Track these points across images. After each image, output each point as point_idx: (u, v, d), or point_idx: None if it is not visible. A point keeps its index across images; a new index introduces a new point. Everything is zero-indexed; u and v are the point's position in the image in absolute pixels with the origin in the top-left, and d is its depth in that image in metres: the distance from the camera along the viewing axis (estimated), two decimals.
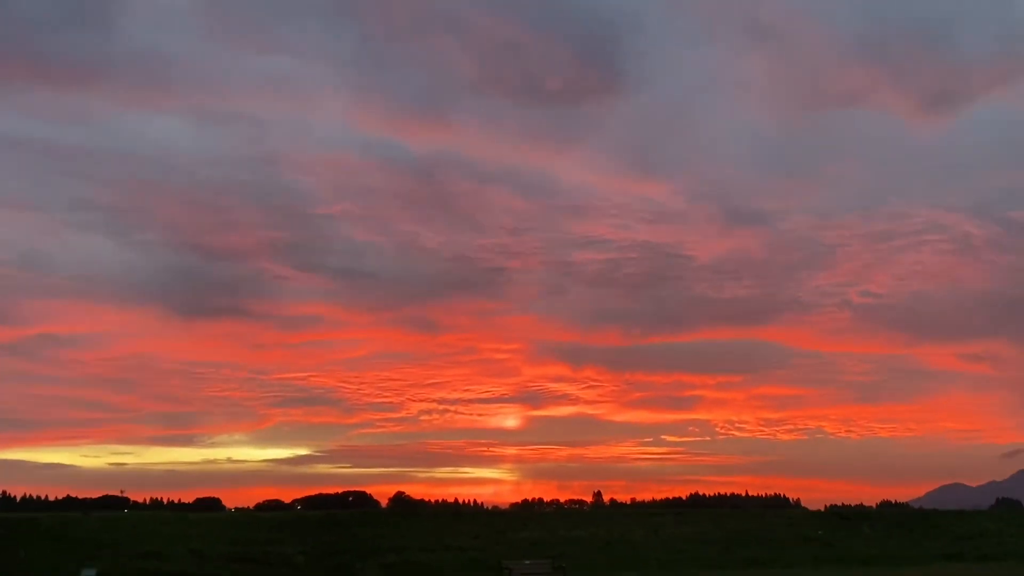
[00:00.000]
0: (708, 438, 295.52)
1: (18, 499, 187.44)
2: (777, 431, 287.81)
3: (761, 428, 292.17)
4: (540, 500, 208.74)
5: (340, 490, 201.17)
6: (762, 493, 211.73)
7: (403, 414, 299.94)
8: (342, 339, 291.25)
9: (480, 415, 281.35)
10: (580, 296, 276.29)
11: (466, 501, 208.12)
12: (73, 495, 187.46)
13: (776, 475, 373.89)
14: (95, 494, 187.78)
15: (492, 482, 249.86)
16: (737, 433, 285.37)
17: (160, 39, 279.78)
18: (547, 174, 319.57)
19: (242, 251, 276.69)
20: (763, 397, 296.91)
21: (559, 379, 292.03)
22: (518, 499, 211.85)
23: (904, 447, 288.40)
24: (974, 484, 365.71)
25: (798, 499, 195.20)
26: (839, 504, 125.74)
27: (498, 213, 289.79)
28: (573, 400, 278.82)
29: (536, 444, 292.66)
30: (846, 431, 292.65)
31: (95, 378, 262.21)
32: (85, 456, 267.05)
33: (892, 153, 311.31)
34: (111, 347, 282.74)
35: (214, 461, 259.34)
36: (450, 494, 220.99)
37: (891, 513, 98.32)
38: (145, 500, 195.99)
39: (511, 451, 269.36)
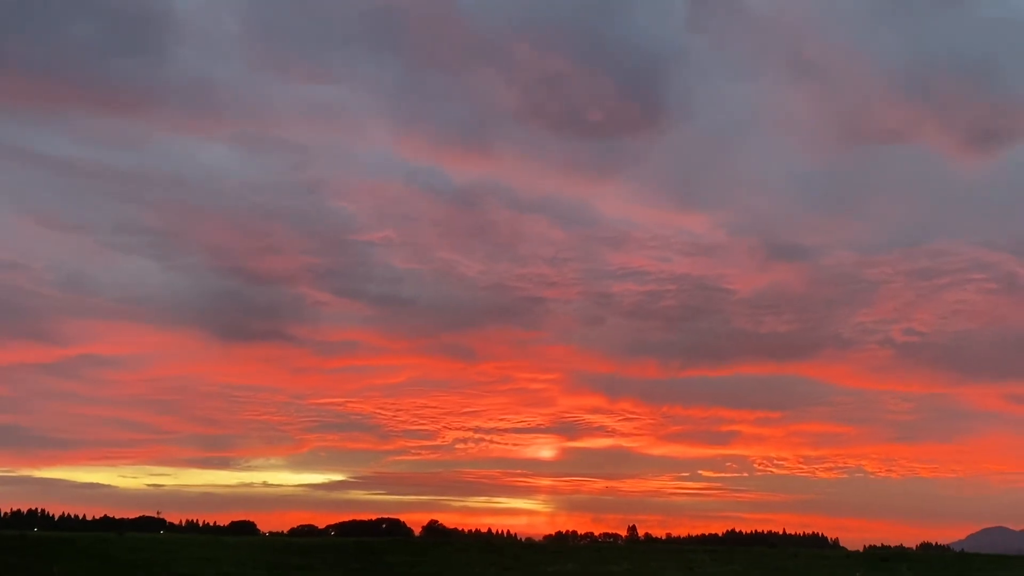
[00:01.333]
0: (746, 474, 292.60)
1: (56, 517, 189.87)
2: (816, 469, 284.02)
3: (800, 465, 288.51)
4: (574, 532, 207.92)
5: (374, 517, 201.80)
6: (800, 532, 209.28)
7: (438, 442, 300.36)
8: (380, 365, 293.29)
9: (515, 445, 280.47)
10: (618, 327, 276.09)
11: (500, 531, 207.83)
12: (110, 515, 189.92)
13: (815, 513, 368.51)
14: (132, 514, 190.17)
15: (526, 513, 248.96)
16: (775, 470, 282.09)
17: (210, 68, 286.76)
18: (587, 205, 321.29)
19: (283, 276, 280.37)
20: (802, 434, 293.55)
21: (595, 410, 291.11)
22: (552, 531, 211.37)
23: (946, 488, 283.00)
24: (1018, 528, 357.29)
25: (836, 538, 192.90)
26: (878, 544, 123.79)
27: (537, 243, 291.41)
28: (609, 432, 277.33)
29: (571, 475, 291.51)
30: (887, 470, 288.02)
31: (135, 399, 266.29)
32: (123, 476, 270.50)
33: (936, 190, 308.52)
34: (152, 369, 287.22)
35: (250, 484, 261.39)
36: (484, 524, 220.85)
37: (931, 555, 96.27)
38: (181, 522, 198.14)
39: (546, 482, 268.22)
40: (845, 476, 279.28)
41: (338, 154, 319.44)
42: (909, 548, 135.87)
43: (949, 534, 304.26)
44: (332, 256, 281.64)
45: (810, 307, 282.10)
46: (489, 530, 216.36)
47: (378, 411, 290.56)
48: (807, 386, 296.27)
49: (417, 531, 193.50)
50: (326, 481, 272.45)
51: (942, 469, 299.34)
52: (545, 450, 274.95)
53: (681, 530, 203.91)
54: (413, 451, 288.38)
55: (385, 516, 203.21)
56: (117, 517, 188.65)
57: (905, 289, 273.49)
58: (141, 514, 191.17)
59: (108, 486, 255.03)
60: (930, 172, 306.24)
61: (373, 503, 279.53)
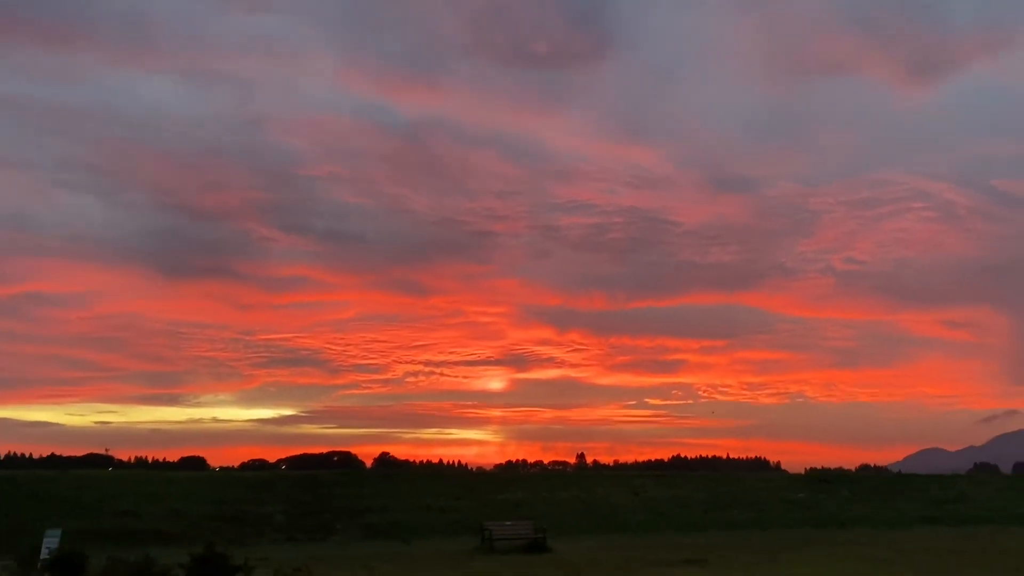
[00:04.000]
0: (691, 401, 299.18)
1: (2, 457, 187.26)
2: (759, 395, 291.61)
3: (743, 392, 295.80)
4: (524, 462, 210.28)
5: (325, 450, 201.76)
6: (743, 456, 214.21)
7: (389, 376, 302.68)
8: (328, 301, 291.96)
9: (465, 377, 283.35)
10: (566, 260, 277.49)
11: (450, 462, 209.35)
12: (58, 453, 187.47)
13: (757, 438, 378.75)
14: (79, 452, 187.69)
15: (476, 443, 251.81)
16: (720, 397, 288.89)
17: None
18: (534, 138, 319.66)
19: (228, 212, 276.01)
20: (745, 361, 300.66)
21: (544, 342, 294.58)
22: (502, 460, 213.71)
23: (884, 412, 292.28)
24: (952, 449, 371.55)
25: (779, 462, 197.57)
26: (819, 467, 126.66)
27: (485, 177, 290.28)
28: (558, 363, 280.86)
29: (521, 406, 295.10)
30: (827, 395, 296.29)
31: (80, 337, 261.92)
32: (70, 415, 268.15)
33: (877, 121, 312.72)
34: (97, 306, 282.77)
35: (199, 420, 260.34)
36: (435, 455, 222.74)
37: (870, 477, 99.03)
38: (130, 459, 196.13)
39: (496, 413, 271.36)
40: (787, 401, 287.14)
41: (281, 88, 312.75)
42: (848, 470, 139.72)
43: (887, 456, 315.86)
44: (277, 191, 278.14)
45: (754, 238, 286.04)
46: (440, 461, 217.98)
47: (327, 346, 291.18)
48: (751, 315, 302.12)
49: (369, 463, 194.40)
50: (276, 416, 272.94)
51: (880, 393, 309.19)
52: (495, 382, 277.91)
53: (628, 456, 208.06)
54: (364, 385, 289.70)
55: (336, 449, 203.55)
56: (64, 455, 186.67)
57: (846, 219, 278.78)
58: (89, 452, 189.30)
59: (55, 424, 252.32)
60: (872, 104, 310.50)
61: (324, 437, 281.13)
